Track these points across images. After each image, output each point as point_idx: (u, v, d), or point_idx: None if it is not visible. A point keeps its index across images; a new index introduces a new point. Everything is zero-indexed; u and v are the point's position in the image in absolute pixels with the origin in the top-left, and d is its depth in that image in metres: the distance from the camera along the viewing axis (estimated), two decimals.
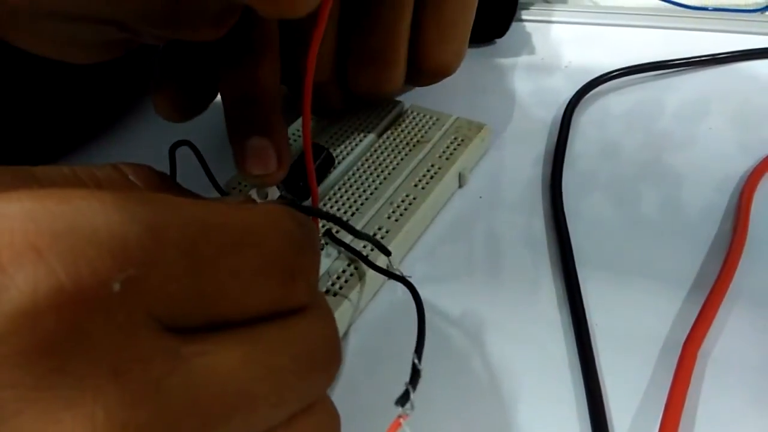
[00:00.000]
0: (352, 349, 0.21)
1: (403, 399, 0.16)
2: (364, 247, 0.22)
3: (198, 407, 0.11)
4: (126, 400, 0.10)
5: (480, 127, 0.27)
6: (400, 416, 0.15)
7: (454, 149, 0.26)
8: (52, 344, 0.10)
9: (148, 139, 0.30)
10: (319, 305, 0.14)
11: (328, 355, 0.14)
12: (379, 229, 0.23)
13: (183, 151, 0.23)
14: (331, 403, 0.15)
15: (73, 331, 0.10)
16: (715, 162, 0.27)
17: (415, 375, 0.16)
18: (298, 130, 0.28)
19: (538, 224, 0.25)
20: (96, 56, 0.20)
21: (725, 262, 0.22)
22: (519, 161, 0.28)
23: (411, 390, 0.16)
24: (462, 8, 0.24)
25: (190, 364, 0.11)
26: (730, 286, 0.21)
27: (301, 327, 0.13)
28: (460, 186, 0.26)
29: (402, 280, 0.21)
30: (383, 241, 0.23)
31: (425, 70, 0.25)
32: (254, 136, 0.23)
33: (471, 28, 0.25)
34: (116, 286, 0.10)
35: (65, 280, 0.10)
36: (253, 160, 0.23)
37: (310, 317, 0.14)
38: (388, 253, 0.21)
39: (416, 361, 0.17)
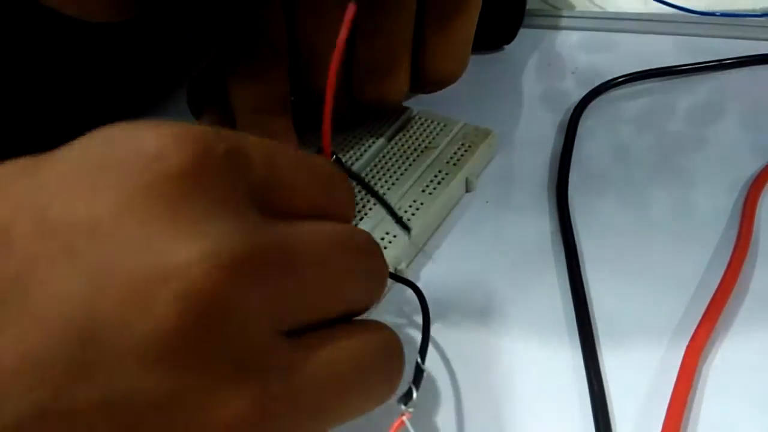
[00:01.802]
0: None
1: (407, 397, 0.16)
2: (381, 239, 0.23)
3: (283, 250, 0.13)
4: (232, 226, 0.13)
5: (487, 133, 0.27)
6: (403, 414, 0.16)
7: (462, 155, 0.26)
8: (179, 176, 0.12)
9: None
10: (360, 228, 0.18)
11: (375, 255, 0.16)
12: (387, 233, 0.23)
13: None
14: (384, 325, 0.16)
15: (192, 169, 0.13)
16: (722, 166, 0.27)
17: (419, 374, 0.17)
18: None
19: (545, 228, 0.25)
20: (111, 10, 0.22)
21: (729, 264, 0.22)
22: (526, 166, 0.28)
23: (414, 389, 0.16)
24: (464, 16, 0.25)
25: (274, 224, 0.14)
26: (734, 288, 0.21)
27: (347, 228, 0.16)
28: (468, 191, 0.27)
29: (408, 283, 0.21)
30: (390, 246, 0.23)
31: (429, 79, 0.25)
32: None
33: (474, 35, 0.25)
34: (220, 148, 0.13)
35: (183, 136, 0.13)
36: None
37: (351, 226, 0.17)
38: (408, 229, 0.21)
39: (420, 361, 0.17)
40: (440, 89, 0.26)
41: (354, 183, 0.22)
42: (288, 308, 0.13)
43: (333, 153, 0.26)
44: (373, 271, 0.16)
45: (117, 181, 0.12)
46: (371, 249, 0.16)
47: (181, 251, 0.12)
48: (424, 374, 0.17)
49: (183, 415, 0.12)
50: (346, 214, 0.17)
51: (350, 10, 0.16)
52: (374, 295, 0.16)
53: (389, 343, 0.16)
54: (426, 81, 0.26)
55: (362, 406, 0.15)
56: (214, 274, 0.12)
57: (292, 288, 0.13)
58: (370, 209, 0.24)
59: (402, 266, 0.23)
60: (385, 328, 0.16)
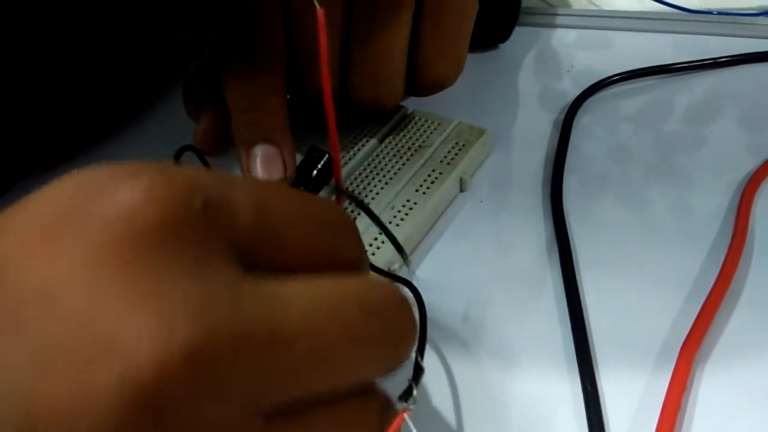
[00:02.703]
0: None
1: (406, 395, 0.16)
2: (370, 245, 0.23)
3: (266, 324, 0.12)
4: (204, 297, 0.11)
5: (481, 132, 0.27)
6: (403, 411, 0.16)
7: (455, 154, 0.26)
8: (146, 233, 0.11)
9: (153, 144, 0.30)
10: (380, 279, 0.15)
11: (398, 312, 0.14)
12: (375, 239, 0.23)
13: (188, 157, 0.24)
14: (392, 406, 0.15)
15: (163, 226, 0.11)
16: (718, 165, 0.27)
17: (418, 372, 0.17)
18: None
19: (539, 227, 0.25)
20: None
21: (724, 264, 0.22)
22: (520, 165, 0.28)
23: (414, 386, 0.16)
24: (460, 21, 0.25)
25: (260, 288, 0.12)
26: (729, 289, 0.21)
27: (363, 280, 0.14)
28: (462, 191, 0.26)
29: (404, 281, 0.21)
30: (384, 246, 0.23)
31: (424, 83, 0.25)
32: (261, 143, 0.24)
33: (469, 39, 0.25)
34: (198, 201, 0.12)
35: (158, 188, 0.12)
36: (260, 166, 0.24)
37: (370, 277, 0.15)
38: (406, 257, 0.21)
39: (419, 358, 0.17)
40: (435, 93, 0.26)
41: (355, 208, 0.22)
42: (269, 387, 0.12)
43: (327, 152, 0.26)
44: (394, 330, 0.14)
45: (74, 241, 0.11)
46: (391, 305, 0.14)
47: (131, 329, 0.10)
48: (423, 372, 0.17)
49: None
50: (356, 262, 0.15)
51: (320, 16, 0.16)
52: (396, 358, 0.14)
53: (378, 418, 0.14)
54: (421, 85, 0.26)
55: None
56: (165, 359, 0.10)
57: (276, 365, 0.12)
58: (360, 213, 0.24)
59: (395, 266, 0.23)
60: (381, 400, 0.15)
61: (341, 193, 0.20)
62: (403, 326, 0.14)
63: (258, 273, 0.12)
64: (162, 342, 0.10)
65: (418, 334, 0.15)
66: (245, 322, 0.11)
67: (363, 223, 0.24)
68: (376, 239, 0.23)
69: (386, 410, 0.15)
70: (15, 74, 0.27)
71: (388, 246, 0.23)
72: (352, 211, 0.24)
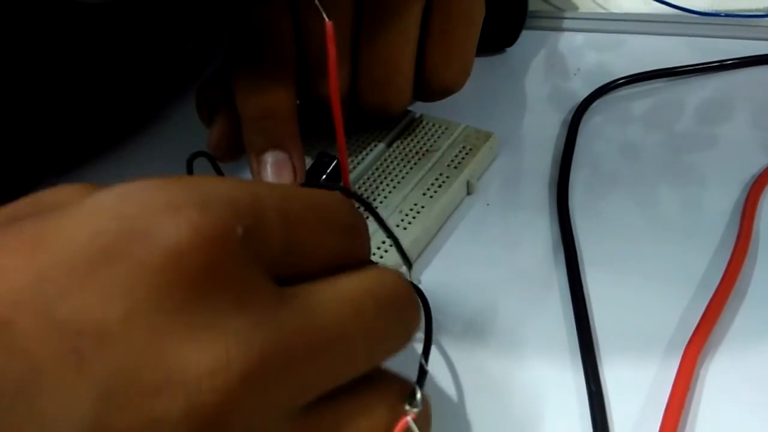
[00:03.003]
0: None
1: (411, 398, 0.16)
2: (378, 248, 0.23)
3: (304, 334, 0.13)
4: (250, 324, 0.12)
5: (488, 135, 0.27)
6: (407, 414, 0.16)
7: (462, 158, 0.27)
8: (195, 275, 0.12)
9: (166, 150, 0.31)
10: (387, 270, 0.16)
11: (405, 300, 0.16)
12: (383, 242, 0.24)
13: (200, 162, 0.24)
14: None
15: (210, 266, 0.12)
16: (725, 166, 0.27)
17: (422, 375, 0.17)
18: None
19: (545, 229, 0.25)
20: None
21: (729, 264, 0.22)
22: (528, 168, 0.28)
23: (418, 389, 0.16)
24: (467, 28, 0.25)
25: (293, 301, 0.13)
26: (734, 287, 0.21)
27: (373, 275, 0.15)
28: (469, 194, 0.27)
29: (412, 286, 0.21)
30: (391, 250, 0.23)
31: (432, 89, 0.26)
32: (272, 150, 0.24)
33: (476, 45, 0.26)
34: (239, 231, 0.12)
35: (200, 224, 0.12)
36: (271, 172, 0.24)
37: (378, 270, 0.16)
38: (410, 264, 0.21)
39: (423, 361, 0.18)
40: (443, 98, 0.27)
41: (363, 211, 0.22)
42: (308, 388, 0.13)
43: (335, 157, 0.26)
44: (403, 319, 0.16)
45: (129, 280, 0.11)
46: (400, 295, 0.15)
47: (191, 363, 0.11)
48: (427, 375, 0.17)
49: None
50: (366, 256, 0.17)
51: (329, 28, 0.17)
52: (402, 341, 0.16)
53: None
54: (429, 90, 0.26)
55: None
56: (225, 386, 0.11)
57: (313, 370, 0.13)
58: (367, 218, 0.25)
59: (402, 270, 0.24)
60: (393, 383, 0.16)
61: (350, 196, 0.20)
62: (410, 311, 0.16)
63: (286, 284, 0.13)
64: (220, 373, 0.11)
65: (422, 315, 0.16)
66: (287, 339, 0.12)
67: (370, 227, 0.24)
68: (384, 242, 0.24)
69: (401, 384, 0.16)
70: (29, 80, 0.28)
71: (392, 254, 0.23)
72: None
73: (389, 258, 0.23)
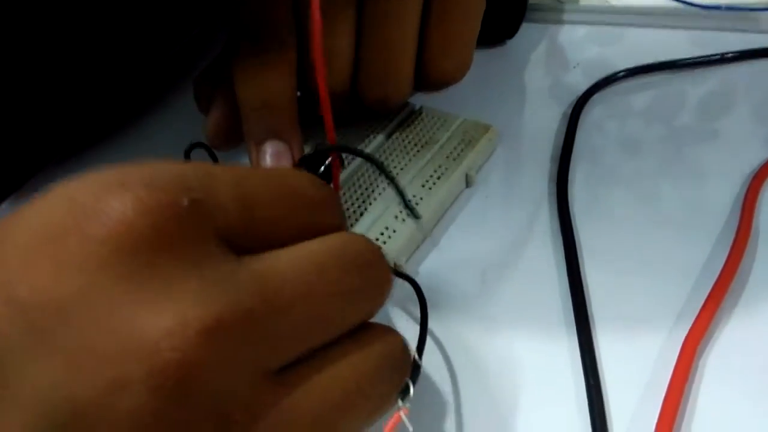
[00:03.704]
0: None
1: (403, 393, 0.16)
2: (377, 240, 0.23)
3: (264, 293, 0.13)
4: (204, 286, 0.12)
5: (487, 128, 0.27)
6: (400, 409, 0.16)
7: (461, 150, 0.27)
8: (143, 243, 0.12)
9: (164, 141, 0.31)
10: (353, 234, 0.17)
11: (371, 258, 0.16)
12: (387, 228, 0.24)
13: (198, 153, 0.24)
14: (391, 329, 0.16)
15: (157, 233, 0.12)
16: (726, 159, 0.27)
17: (416, 370, 0.17)
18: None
19: (544, 221, 0.25)
20: None
21: (728, 256, 0.22)
22: (527, 160, 0.28)
23: (411, 385, 0.16)
24: (466, 21, 0.25)
25: (253, 264, 0.13)
26: (733, 281, 0.21)
27: (336, 237, 0.16)
28: (467, 186, 0.27)
29: (407, 278, 0.21)
30: (390, 241, 0.23)
31: (431, 80, 0.26)
32: (271, 140, 0.24)
33: (476, 38, 0.26)
34: (185, 202, 0.13)
35: (146, 197, 0.12)
36: (270, 162, 0.24)
37: (341, 234, 0.16)
38: (418, 217, 0.21)
39: (417, 357, 0.18)
40: (442, 89, 0.27)
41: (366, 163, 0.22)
42: (277, 349, 0.13)
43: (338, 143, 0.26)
44: (372, 278, 0.16)
45: (80, 254, 0.12)
46: (367, 255, 0.16)
47: (149, 327, 0.12)
48: (421, 370, 0.17)
49: None
50: (338, 228, 0.16)
51: (317, 23, 0.17)
52: (377, 302, 0.16)
53: (392, 353, 0.16)
54: (428, 82, 0.26)
55: (366, 421, 0.15)
56: (184, 346, 0.12)
57: (279, 330, 0.13)
58: (371, 204, 0.25)
59: (402, 261, 0.24)
60: (388, 335, 0.16)
61: (344, 151, 0.20)
62: (379, 274, 0.16)
63: (248, 254, 0.14)
64: (177, 333, 0.12)
65: (392, 277, 0.16)
66: (246, 300, 0.13)
67: (368, 219, 0.24)
68: (382, 234, 0.24)
69: (385, 335, 0.16)
70: (26, 71, 0.28)
71: (393, 243, 0.23)
72: (349, 218, 0.24)
73: (391, 245, 0.23)
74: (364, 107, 0.26)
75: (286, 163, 0.24)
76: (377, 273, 0.16)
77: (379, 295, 0.16)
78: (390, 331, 0.16)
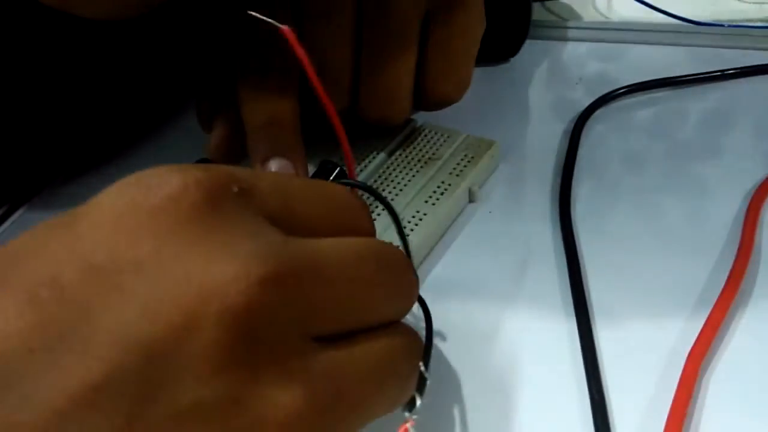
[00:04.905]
0: None
1: (410, 405, 0.16)
2: None
3: (310, 264, 0.15)
4: (261, 246, 0.14)
5: (490, 144, 0.28)
6: (407, 421, 0.16)
7: (465, 166, 0.27)
8: (203, 212, 0.14)
9: (170, 156, 0.31)
10: (385, 241, 0.18)
11: (404, 267, 0.17)
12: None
13: None
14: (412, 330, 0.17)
15: (214, 204, 0.14)
16: (728, 175, 0.27)
17: (422, 382, 0.17)
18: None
19: (547, 237, 0.25)
20: (113, 8, 0.22)
21: (730, 274, 0.22)
22: (530, 176, 0.28)
23: (418, 396, 0.16)
24: (466, 44, 0.25)
25: (299, 241, 0.15)
26: (735, 299, 0.21)
27: (375, 241, 0.17)
28: (471, 202, 0.27)
29: None
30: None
31: (431, 100, 0.26)
32: (275, 158, 0.24)
33: (475, 58, 0.26)
34: (235, 188, 0.15)
35: (202, 177, 0.14)
36: None
37: (380, 240, 0.18)
38: (409, 253, 0.22)
39: (423, 369, 0.18)
40: (442, 108, 0.27)
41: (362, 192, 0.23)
42: (319, 317, 0.15)
43: (338, 165, 0.26)
44: (403, 283, 0.17)
45: (151, 222, 0.14)
46: (400, 262, 0.17)
47: (216, 276, 0.13)
48: (427, 382, 0.17)
49: (242, 418, 0.13)
50: (370, 234, 0.18)
51: (288, 34, 0.18)
52: (404, 307, 0.17)
53: (410, 344, 0.17)
54: (428, 101, 0.26)
55: (382, 405, 0.16)
56: (249, 290, 0.13)
57: (323, 298, 0.15)
58: (374, 219, 0.25)
59: None
60: (410, 332, 0.17)
61: (364, 189, 0.21)
62: (409, 280, 0.17)
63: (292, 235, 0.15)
64: (243, 280, 0.13)
65: (418, 287, 0.18)
66: (298, 264, 0.14)
67: (376, 228, 0.24)
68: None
69: (412, 335, 0.17)
70: (35, 87, 0.28)
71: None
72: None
73: None
74: (366, 124, 0.27)
75: None
76: (408, 277, 0.17)
77: (408, 297, 0.17)
78: (409, 330, 0.17)
